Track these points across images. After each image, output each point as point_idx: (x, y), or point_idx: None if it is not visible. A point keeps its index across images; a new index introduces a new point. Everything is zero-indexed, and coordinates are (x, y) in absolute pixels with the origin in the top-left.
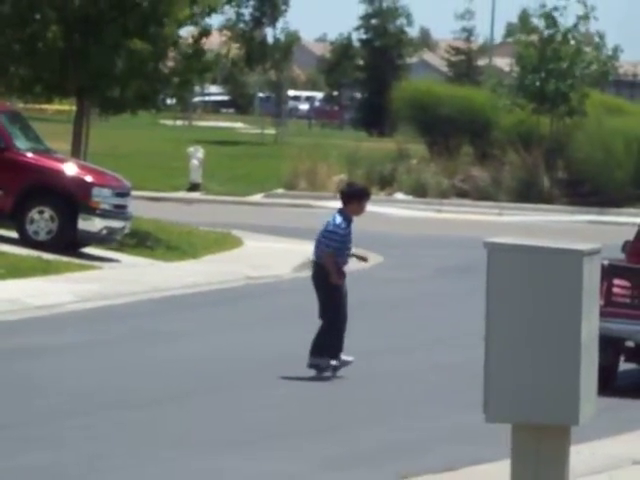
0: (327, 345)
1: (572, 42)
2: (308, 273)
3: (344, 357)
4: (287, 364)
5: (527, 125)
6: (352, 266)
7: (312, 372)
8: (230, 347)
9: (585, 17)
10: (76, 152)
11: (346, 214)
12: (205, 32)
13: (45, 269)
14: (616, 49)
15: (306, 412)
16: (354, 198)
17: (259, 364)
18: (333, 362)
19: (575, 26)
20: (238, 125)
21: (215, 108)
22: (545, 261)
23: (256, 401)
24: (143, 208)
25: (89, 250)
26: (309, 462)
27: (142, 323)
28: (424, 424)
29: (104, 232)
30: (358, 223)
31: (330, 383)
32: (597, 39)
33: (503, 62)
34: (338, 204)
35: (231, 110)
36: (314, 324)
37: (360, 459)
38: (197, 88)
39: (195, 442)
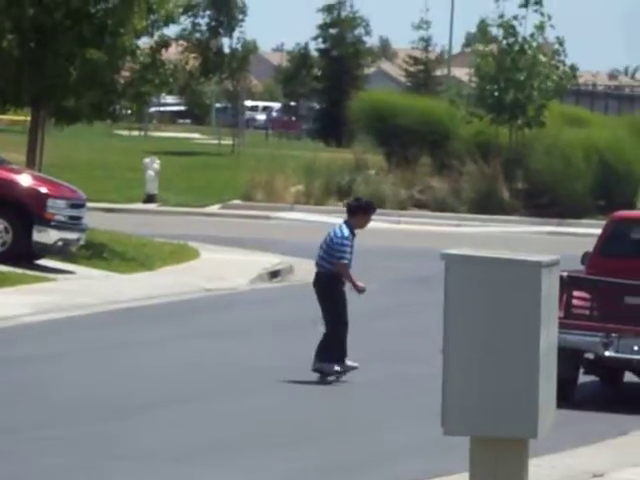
0: (330, 351)
1: (530, 52)
2: (265, 284)
3: (349, 363)
4: (247, 376)
5: (486, 136)
6: (310, 279)
7: (270, 384)
8: (188, 359)
9: (541, 26)
10: (31, 163)
11: (351, 226)
12: (164, 43)
13: None
14: (572, 67)
15: (267, 426)
16: (361, 211)
17: (219, 376)
18: (337, 368)
19: (532, 36)
20: (195, 136)
21: (171, 118)
22: (503, 273)
23: (218, 413)
24: (98, 219)
25: (44, 262)
26: (272, 476)
27: (98, 335)
28: (386, 437)
29: (59, 244)
30: (316, 235)
31: (291, 396)
32: (557, 45)
33: (462, 72)
34: (295, 215)
35: (188, 121)
36: (271, 335)
37: (325, 473)
38: (153, 98)
39: (161, 453)
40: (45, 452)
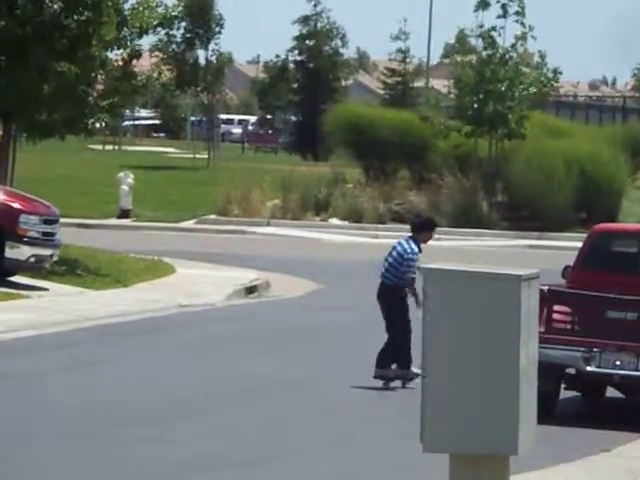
0: (395, 357)
1: (510, 63)
2: (241, 300)
3: (414, 369)
4: (219, 395)
5: (465, 148)
6: (287, 295)
7: (246, 401)
8: (162, 376)
9: (523, 37)
10: (3, 178)
11: (418, 242)
12: (135, 54)
13: None
14: (555, 71)
15: (230, 444)
16: (427, 228)
17: (191, 394)
18: (414, 370)
19: (513, 46)
20: (169, 150)
21: (146, 132)
22: (482, 287)
23: (186, 433)
24: (72, 235)
25: (16, 279)
26: None
27: (72, 353)
28: (361, 455)
29: (32, 260)
30: (292, 250)
31: (259, 415)
32: (538, 59)
33: (440, 84)
34: (271, 230)
35: (162, 134)
36: (248, 352)
37: None
38: (127, 112)
39: (131, 472)
40: (18, 471)
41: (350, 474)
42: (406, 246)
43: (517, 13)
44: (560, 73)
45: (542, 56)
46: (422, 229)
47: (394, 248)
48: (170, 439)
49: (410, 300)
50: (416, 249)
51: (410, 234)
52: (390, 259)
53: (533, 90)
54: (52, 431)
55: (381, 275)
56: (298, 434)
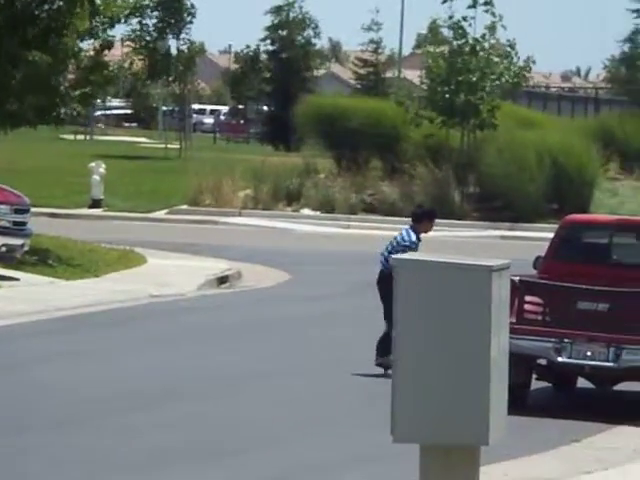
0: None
1: (481, 53)
2: (213, 290)
3: None
4: (189, 385)
5: (437, 139)
6: (258, 285)
7: (217, 391)
8: (132, 367)
9: (492, 27)
10: None
11: (417, 232)
12: (107, 44)
13: None
14: (528, 60)
15: (212, 433)
16: (426, 218)
17: (165, 382)
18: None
19: (484, 37)
20: (141, 139)
21: (117, 122)
22: (453, 277)
23: (156, 422)
24: (43, 225)
25: None
26: None
27: (43, 343)
28: (335, 444)
29: (3, 250)
30: (264, 240)
31: (233, 405)
32: (508, 48)
33: (413, 74)
34: (243, 220)
35: (134, 124)
36: (219, 342)
37: None
38: (99, 101)
39: (106, 461)
40: None
41: (320, 464)
42: (405, 235)
43: (486, 3)
44: (533, 62)
45: (511, 45)
46: (422, 219)
47: (395, 237)
48: (139, 428)
49: None
50: (414, 238)
51: (410, 224)
52: (390, 247)
53: (504, 80)
54: (22, 421)
55: (380, 262)
56: (267, 424)
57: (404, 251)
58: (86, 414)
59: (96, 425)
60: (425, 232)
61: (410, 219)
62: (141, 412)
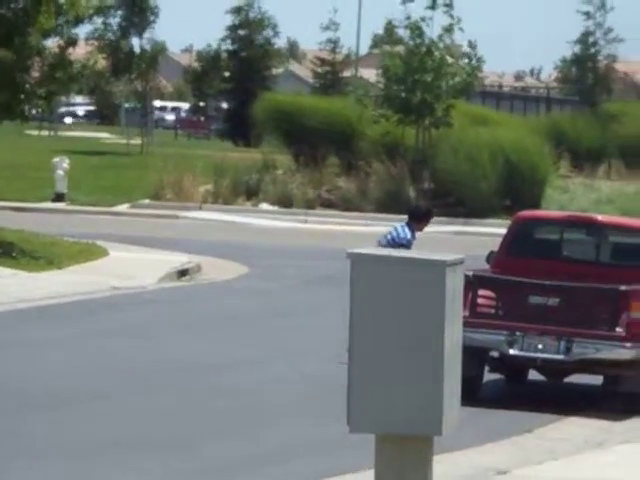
0: None
1: (437, 53)
2: (173, 283)
3: None
4: (150, 374)
5: (393, 136)
6: (217, 278)
7: (173, 383)
8: (93, 357)
9: (450, 29)
10: None
11: (413, 229)
12: (71, 42)
13: None
14: (479, 60)
15: (166, 424)
16: (423, 217)
17: (122, 374)
18: None
19: (440, 37)
20: (104, 135)
21: (81, 118)
22: (408, 272)
23: (118, 412)
24: (7, 219)
25: None
26: (171, 475)
27: (5, 334)
28: (291, 435)
29: None
30: (224, 234)
31: (190, 396)
32: (468, 48)
33: (370, 73)
34: (204, 214)
35: (97, 120)
36: (178, 334)
37: (226, 471)
38: (63, 98)
39: (62, 450)
40: None
41: (275, 455)
42: (400, 231)
43: (446, 5)
44: (484, 62)
45: (472, 46)
46: (418, 218)
47: (389, 233)
48: (94, 419)
49: None
50: (409, 235)
51: (407, 221)
52: (384, 242)
53: (458, 80)
54: None
55: None
56: (223, 415)
57: (401, 247)
58: (43, 404)
59: (49, 415)
60: (420, 230)
61: (407, 217)
62: (97, 402)
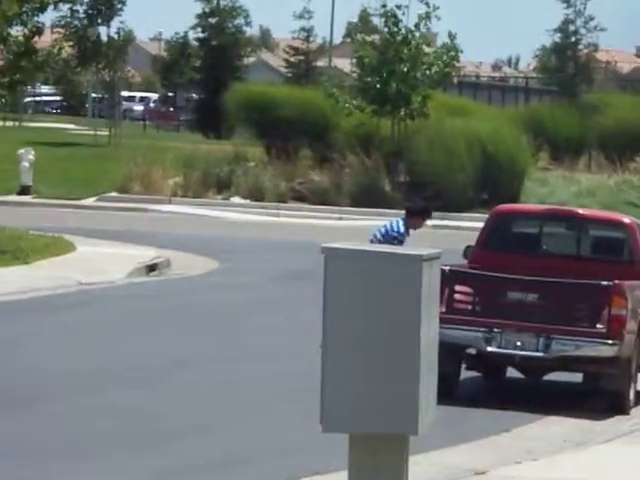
0: None
1: (413, 42)
2: (142, 278)
3: None
4: (118, 372)
5: (368, 128)
6: (187, 273)
7: (143, 379)
8: (60, 354)
9: (426, 17)
10: None
11: (407, 225)
12: (36, 30)
13: None
14: (456, 49)
15: (131, 423)
16: (419, 214)
17: (89, 370)
18: None
19: (417, 26)
20: (70, 126)
21: (47, 108)
22: (383, 266)
23: (87, 408)
24: None
25: None
26: (145, 472)
27: None
28: (264, 434)
29: None
30: (194, 228)
31: (162, 393)
32: (447, 39)
33: (344, 63)
34: (173, 207)
35: (63, 111)
36: (146, 330)
37: (200, 469)
38: (28, 88)
39: (17, 452)
40: None
41: (248, 453)
42: (394, 225)
43: None
44: (461, 52)
45: (451, 37)
46: (414, 215)
47: (384, 226)
48: (70, 416)
49: None
50: (402, 230)
51: (403, 216)
52: (379, 235)
53: (434, 70)
54: None
55: None
56: (196, 412)
57: (392, 241)
58: (4, 400)
59: (12, 414)
60: (415, 228)
61: (405, 212)
62: (61, 399)
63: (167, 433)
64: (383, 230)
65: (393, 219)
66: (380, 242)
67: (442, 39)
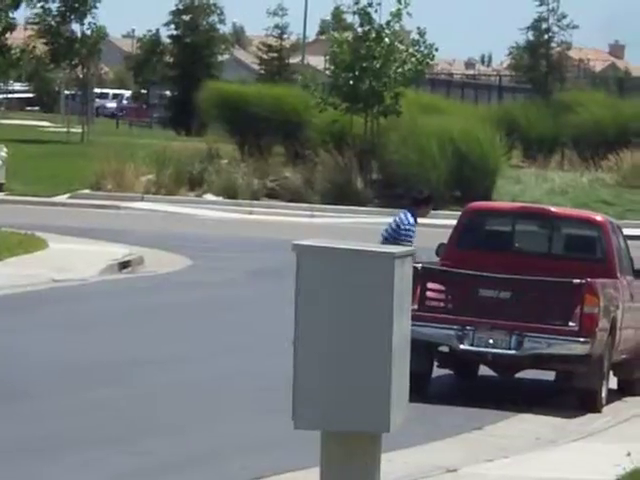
0: None
1: (386, 40)
2: (115, 276)
3: None
4: (89, 369)
5: (341, 125)
6: (160, 270)
7: (114, 378)
8: (33, 352)
9: (398, 14)
10: None
11: (415, 215)
12: (9, 26)
13: None
14: (431, 47)
15: (100, 421)
16: (424, 203)
17: (60, 369)
18: None
19: (389, 23)
20: (43, 123)
21: (19, 105)
22: (355, 264)
23: (54, 407)
24: None
25: None
26: (110, 470)
27: None
28: (234, 432)
29: None
30: (167, 225)
31: (135, 390)
32: (416, 35)
33: (317, 60)
34: (145, 205)
35: (36, 108)
36: (118, 327)
37: (169, 467)
38: (0, 85)
39: None
40: None
41: (219, 451)
42: (404, 218)
43: None
44: (436, 49)
45: (421, 33)
46: (420, 204)
47: (393, 221)
48: (33, 416)
49: None
50: (412, 221)
51: (409, 207)
52: (390, 230)
53: (407, 67)
54: None
55: (381, 243)
56: (167, 411)
57: (405, 234)
58: None
59: None
60: (423, 217)
61: (410, 202)
62: (30, 399)
63: (137, 433)
64: (394, 225)
65: (397, 215)
66: (394, 237)
67: (414, 36)
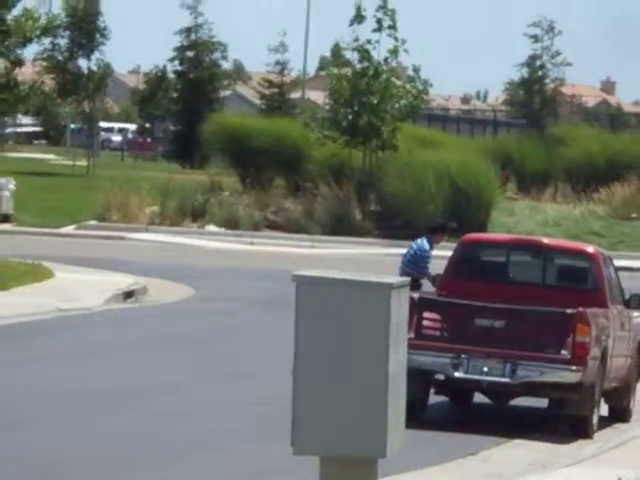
0: None
1: (383, 76)
2: (119, 305)
3: None
4: (94, 398)
5: (340, 158)
6: (164, 300)
7: (118, 406)
8: (38, 380)
9: (395, 51)
10: None
11: (431, 242)
12: (18, 62)
13: None
14: (426, 83)
15: (102, 449)
16: (440, 230)
17: (65, 397)
18: None
19: (386, 60)
20: (50, 156)
21: (27, 139)
22: (353, 294)
23: (50, 436)
24: None
25: None
26: None
27: None
28: (236, 458)
29: None
30: (171, 255)
31: (133, 419)
32: (412, 72)
33: (317, 95)
34: (150, 235)
35: (43, 141)
36: (123, 356)
37: None
38: (9, 119)
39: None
40: None
41: (221, 478)
42: (420, 244)
43: (390, 27)
44: (430, 85)
45: (416, 70)
46: (436, 232)
47: (411, 247)
48: (36, 443)
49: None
50: (428, 246)
51: (426, 235)
52: (408, 255)
53: (404, 102)
54: None
55: (400, 269)
56: (170, 438)
57: (422, 261)
58: None
59: None
60: (437, 243)
61: (426, 230)
62: (35, 426)
63: (140, 460)
64: (412, 252)
65: (413, 243)
66: (414, 261)
67: (410, 73)
